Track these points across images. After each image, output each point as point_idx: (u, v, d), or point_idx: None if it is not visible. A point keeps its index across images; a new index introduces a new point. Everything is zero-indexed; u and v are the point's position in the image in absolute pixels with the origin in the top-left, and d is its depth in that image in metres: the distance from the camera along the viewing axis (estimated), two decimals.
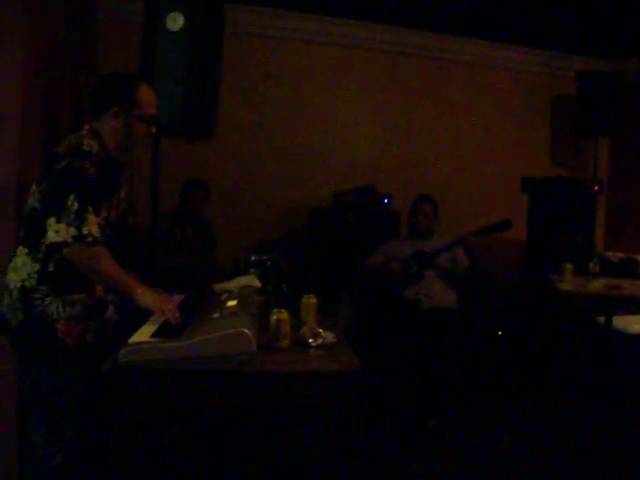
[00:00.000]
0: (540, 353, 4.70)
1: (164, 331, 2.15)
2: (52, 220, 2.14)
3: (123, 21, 4.76)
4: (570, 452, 3.52)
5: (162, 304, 2.27)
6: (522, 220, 5.36)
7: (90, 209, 2.18)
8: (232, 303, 2.33)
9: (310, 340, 2.39)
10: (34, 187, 2.29)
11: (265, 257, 3.05)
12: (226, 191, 5.28)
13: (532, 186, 5.48)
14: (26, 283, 2.23)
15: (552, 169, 6.11)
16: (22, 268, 2.25)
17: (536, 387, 4.49)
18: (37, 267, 2.24)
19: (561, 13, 5.07)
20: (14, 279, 2.25)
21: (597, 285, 4.25)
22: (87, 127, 2.38)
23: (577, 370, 4.55)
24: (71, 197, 2.14)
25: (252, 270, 2.94)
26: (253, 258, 3.05)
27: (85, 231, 2.14)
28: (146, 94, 2.43)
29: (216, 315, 2.21)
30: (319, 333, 2.41)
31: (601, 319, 4.83)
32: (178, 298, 2.70)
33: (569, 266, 4.43)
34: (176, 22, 3.09)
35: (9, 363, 2.53)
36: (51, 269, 2.24)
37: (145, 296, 2.26)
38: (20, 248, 2.27)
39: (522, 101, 6.17)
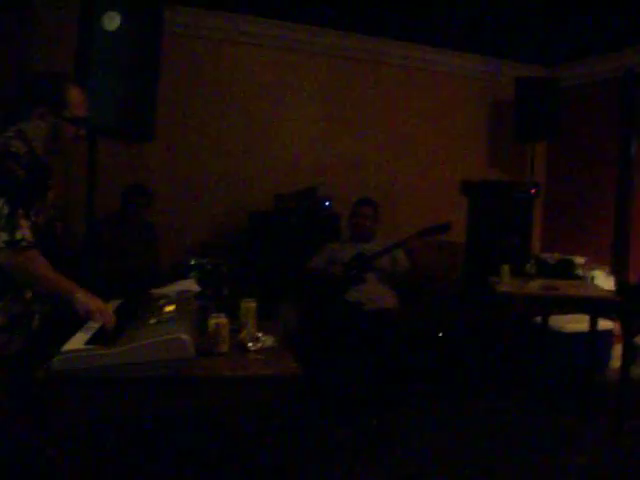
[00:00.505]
0: (478, 353, 4.77)
1: (99, 338, 2.10)
2: None
3: (58, 19, 4.63)
4: (505, 449, 3.59)
5: (101, 308, 2.22)
6: (462, 222, 5.44)
7: (21, 212, 2.11)
8: (170, 308, 2.30)
9: (249, 344, 2.38)
10: None
11: (205, 261, 3.02)
12: (167, 194, 5.21)
13: (471, 189, 5.57)
14: None
15: (491, 172, 6.24)
16: None
17: (474, 385, 4.56)
18: None
19: (501, 19, 5.17)
20: None
21: (534, 286, 4.33)
22: (14, 128, 2.30)
23: (514, 368, 4.63)
24: (1, 201, 2.08)
25: (192, 274, 2.90)
26: (193, 262, 3.01)
27: (19, 236, 2.08)
28: (75, 95, 2.35)
29: (153, 321, 2.17)
30: (258, 337, 2.40)
31: (538, 319, 4.96)
32: (115, 304, 2.65)
33: (506, 267, 4.50)
34: (113, 21, 3.03)
35: None
36: None
37: (84, 298, 2.21)
38: None
39: (463, 105, 6.29)
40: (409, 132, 6.08)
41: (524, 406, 4.22)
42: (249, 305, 2.55)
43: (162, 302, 2.45)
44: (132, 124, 3.20)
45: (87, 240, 3.47)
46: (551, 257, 5.58)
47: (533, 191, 5.58)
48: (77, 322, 2.24)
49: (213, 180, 5.44)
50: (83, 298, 2.21)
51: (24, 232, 2.10)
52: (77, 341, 2.09)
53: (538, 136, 6.11)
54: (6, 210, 2.07)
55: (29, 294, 2.30)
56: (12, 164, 2.14)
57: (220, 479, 3.16)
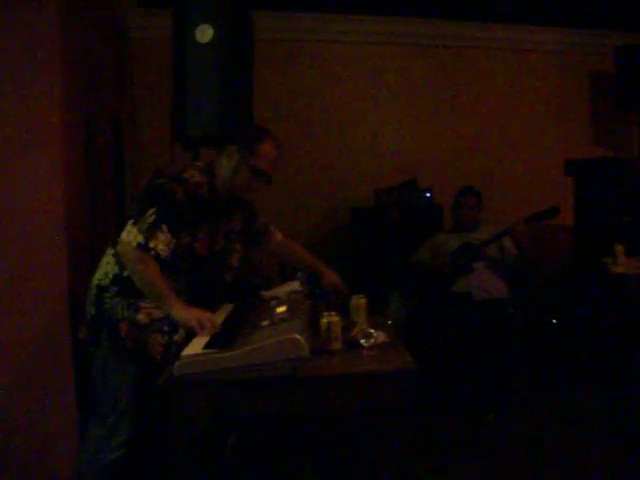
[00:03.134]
0: (597, 339, 4.58)
1: (216, 342, 2.15)
2: (130, 222, 2.27)
3: (154, 37, 4.80)
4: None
5: (198, 318, 2.27)
6: (568, 204, 5.25)
7: (164, 227, 2.26)
8: (281, 309, 2.33)
9: (362, 341, 2.38)
10: None
11: None
12: (268, 196, 5.27)
13: (576, 169, 5.37)
14: (101, 282, 2.40)
15: (596, 149, 5.99)
16: (104, 266, 2.43)
17: (595, 376, 4.38)
18: (115, 269, 2.39)
19: None
20: (96, 276, 2.43)
21: None
22: (208, 160, 2.56)
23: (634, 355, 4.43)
24: (151, 210, 2.26)
25: (299, 274, 2.93)
26: None
27: (151, 245, 2.24)
28: (268, 149, 2.52)
29: (266, 322, 2.22)
30: (371, 333, 2.40)
31: None
32: (227, 308, 2.72)
33: (620, 247, 4.31)
34: (205, 34, 3.09)
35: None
36: (125, 274, 2.36)
37: (181, 311, 2.28)
38: (109, 248, 2.45)
39: (560, 82, 6.05)
40: (506, 115, 5.91)
41: None
42: (359, 301, 2.56)
43: (273, 303, 2.49)
44: (231, 132, 3.24)
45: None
46: None
47: None
48: None
49: (312, 179, 5.48)
50: (180, 311, 2.28)
51: (158, 244, 2.25)
52: (195, 346, 2.16)
53: None
54: (152, 219, 2.25)
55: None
56: (176, 186, 2.32)
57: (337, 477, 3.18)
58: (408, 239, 4.65)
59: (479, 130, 5.85)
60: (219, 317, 2.52)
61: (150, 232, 2.23)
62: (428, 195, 5.05)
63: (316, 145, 5.51)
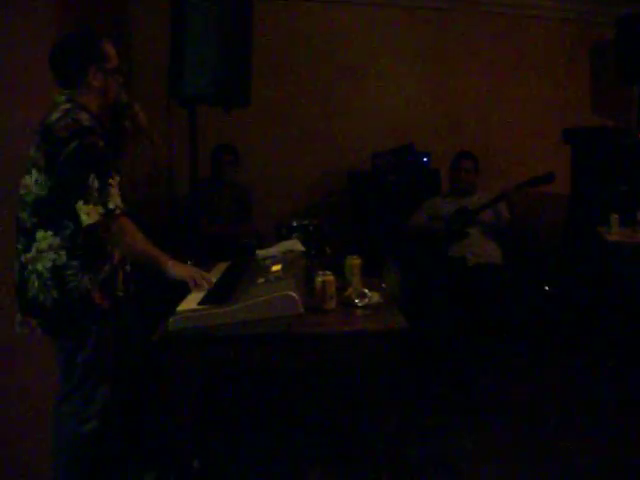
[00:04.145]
0: (590, 307, 4.61)
1: (211, 298, 2.17)
2: (80, 203, 2.15)
3: None
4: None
5: (191, 274, 2.29)
6: (565, 172, 5.25)
7: (111, 181, 2.20)
8: (277, 268, 2.35)
9: (356, 301, 2.40)
10: (34, 175, 2.24)
11: (307, 221, 3.05)
12: (264, 157, 5.29)
13: (574, 137, 5.35)
14: (57, 262, 2.24)
15: (594, 118, 5.96)
16: (48, 250, 2.24)
17: (590, 344, 4.41)
18: (66, 244, 2.24)
19: None
20: (41, 262, 2.24)
21: None
22: (62, 99, 2.31)
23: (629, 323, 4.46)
24: (91, 176, 2.16)
25: (295, 235, 2.94)
26: (295, 223, 3.05)
27: (111, 205, 2.17)
28: (111, 47, 2.39)
29: (261, 280, 2.23)
30: (365, 293, 2.41)
31: None
32: (223, 266, 2.73)
33: (615, 217, 4.32)
34: None
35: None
36: (79, 245, 2.25)
37: (176, 267, 2.28)
38: (41, 233, 2.24)
39: (560, 49, 6.00)
40: (505, 81, 5.87)
41: None
42: (354, 262, 2.57)
43: (268, 262, 2.51)
44: (229, 91, 3.23)
45: (191, 203, 3.57)
46: None
47: None
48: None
49: (310, 142, 5.45)
50: (174, 268, 2.28)
51: (115, 200, 2.19)
52: (190, 301, 2.18)
53: None
54: (97, 184, 2.16)
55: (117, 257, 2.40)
56: (92, 138, 2.20)
57: (328, 436, 3.23)
58: (405, 203, 4.65)
59: (478, 96, 5.81)
60: (214, 275, 2.54)
61: (103, 196, 2.16)
62: (425, 159, 5.03)
63: (313, 108, 5.46)
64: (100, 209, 2.16)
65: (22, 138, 2.42)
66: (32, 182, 2.24)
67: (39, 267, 2.24)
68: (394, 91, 5.62)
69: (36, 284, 2.25)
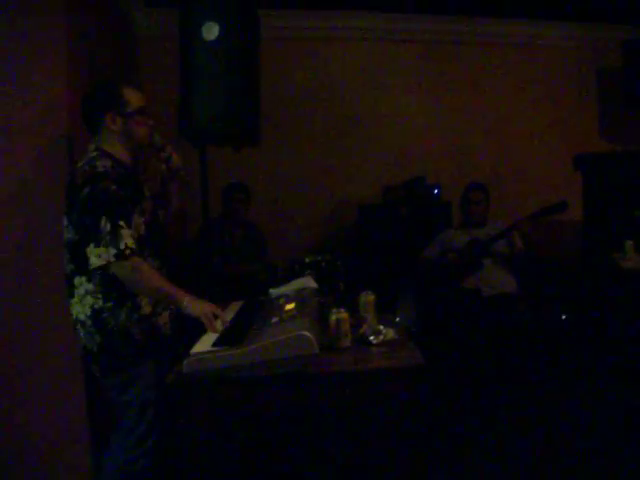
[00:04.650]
0: (608, 335, 4.55)
1: (225, 339, 2.16)
2: (91, 247, 2.21)
3: (161, 35, 4.80)
4: None
5: (206, 311, 2.29)
6: (577, 199, 5.22)
7: (122, 224, 2.23)
8: (290, 306, 2.34)
9: (371, 338, 2.38)
10: (65, 221, 2.35)
11: (319, 258, 3.04)
12: (275, 194, 5.31)
13: (585, 163, 5.33)
14: (95, 306, 2.32)
15: (603, 144, 5.95)
16: (86, 296, 2.33)
17: (610, 370, 4.35)
18: (99, 288, 2.32)
19: None
20: (82, 310, 2.34)
21: None
22: (92, 147, 2.43)
23: None
24: (102, 220, 2.21)
25: (308, 272, 2.93)
26: (307, 260, 3.04)
27: (122, 246, 2.20)
28: (130, 90, 2.46)
29: (275, 319, 2.22)
30: (380, 330, 2.39)
31: None
32: (236, 306, 2.72)
33: (630, 243, 4.28)
34: (211, 31, 3.09)
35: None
36: (113, 287, 2.31)
37: (192, 304, 2.29)
38: (78, 279, 2.34)
39: (567, 76, 6.02)
40: (512, 111, 5.88)
41: None
42: (368, 298, 2.55)
43: (282, 301, 2.49)
44: (238, 129, 3.24)
45: (203, 242, 3.58)
46: None
47: None
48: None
49: (320, 177, 5.48)
50: (191, 304, 2.29)
51: (126, 241, 2.22)
52: (205, 343, 2.16)
53: None
54: (108, 227, 2.21)
55: None
56: (104, 183, 2.26)
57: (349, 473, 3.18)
58: (416, 236, 4.66)
59: (487, 126, 5.83)
60: (228, 314, 2.53)
61: (114, 238, 2.20)
62: (436, 191, 5.04)
63: (322, 142, 5.50)
64: (112, 250, 2.19)
65: None
66: (65, 226, 2.35)
67: (81, 316, 2.34)
68: (404, 124, 5.65)
69: (82, 332, 2.36)
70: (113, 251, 2.19)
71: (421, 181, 5.06)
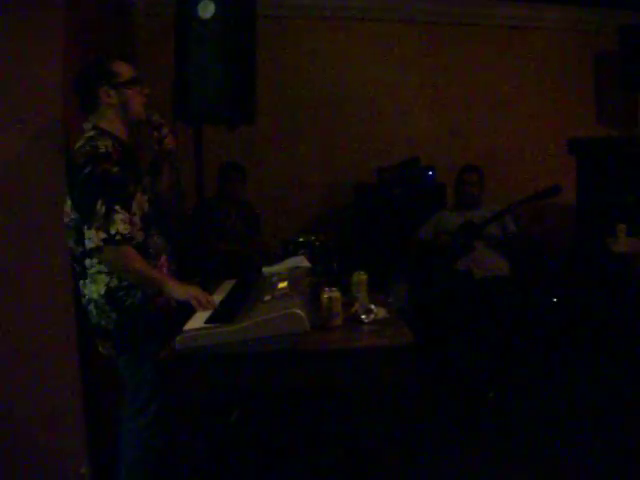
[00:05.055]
0: (598, 318, 4.59)
1: (218, 316, 2.18)
2: (85, 228, 2.21)
3: (157, 14, 4.78)
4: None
5: (195, 294, 2.31)
6: (571, 183, 5.24)
7: (117, 208, 2.22)
8: (283, 285, 2.35)
9: (363, 317, 2.40)
10: (68, 202, 2.34)
11: (313, 237, 3.06)
12: (270, 174, 5.30)
13: (579, 147, 5.33)
14: (111, 284, 2.32)
15: (599, 129, 5.96)
16: (99, 275, 2.32)
17: (599, 354, 4.38)
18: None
19: None
20: (95, 289, 2.33)
21: None
22: (89, 126, 2.40)
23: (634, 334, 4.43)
24: (99, 202, 2.20)
25: (301, 251, 2.94)
26: (301, 239, 3.05)
27: (113, 231, 2.19)
28: (119, 63, 2.44)
29: (268, 298, 2.23)
30: (371, 309, 2.41)
31: None
32: (229, 284, 2.74)
33: (622, 227, 4.31)
34: (207, 9, 3.08)
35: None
36: None
37: (178, 288, 2.31)
38: (88, 261, 2.32)
39: (564, 61, 6.01)
40: (509, 94, 5.86)
41: None
42: (360, 277, 2.57)
43: (275, 279, 2.51)
44: (234, 108, 3.24)
45: (197, 221, 3.59)
46: None
47: None
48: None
49: (315, 158, 5.47)
50: (175, 289, 2.31)
51: (118, 227, 2.21)
52: (197, 320, 2.18)
53: None
54: (103, 210, 2.19)
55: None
56: (106, 165, 2.25)
57: (334, 453, 3.22)
58: (410, 217, 4.66)
59: (483, 109, 5.82)
60: (221, 293, 2.55)
61: (107, 221, 2.18)
62: (430, 173, 5.04)
63: (318, 122, 5.48)
64: (101, 235, 2.19)
65: None
66: (69, 208, 2.33)
67: (94, 295, 2.33)
68: (399, 105, 5.63)
69: (94, 312, 2.35)
70: (103, 235, 2.18)
71: (415, 162, 5.06)
